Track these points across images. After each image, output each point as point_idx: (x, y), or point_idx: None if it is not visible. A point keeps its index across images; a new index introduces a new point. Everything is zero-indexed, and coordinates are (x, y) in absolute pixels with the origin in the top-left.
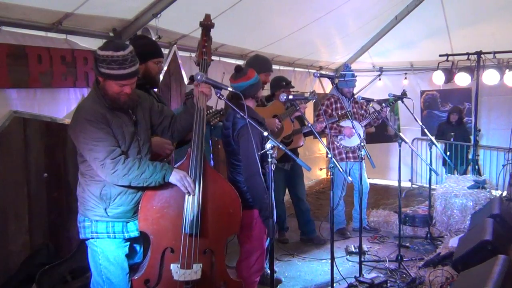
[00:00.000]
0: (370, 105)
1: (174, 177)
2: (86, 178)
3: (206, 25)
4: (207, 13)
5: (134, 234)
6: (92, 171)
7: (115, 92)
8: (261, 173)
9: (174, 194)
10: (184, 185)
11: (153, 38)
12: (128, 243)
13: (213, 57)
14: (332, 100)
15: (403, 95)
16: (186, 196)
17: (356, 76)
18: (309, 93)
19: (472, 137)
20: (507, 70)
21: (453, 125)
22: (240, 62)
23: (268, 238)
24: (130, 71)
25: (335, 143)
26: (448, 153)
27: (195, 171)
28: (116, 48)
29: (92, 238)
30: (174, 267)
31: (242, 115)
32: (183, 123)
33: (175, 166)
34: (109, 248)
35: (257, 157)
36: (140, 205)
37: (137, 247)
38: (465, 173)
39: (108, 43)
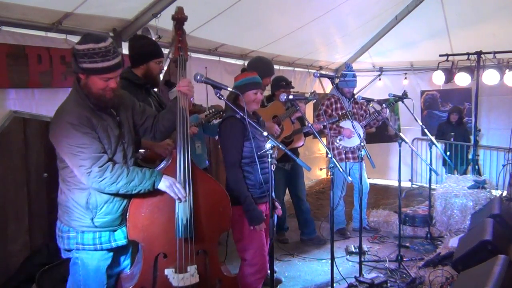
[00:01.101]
0: (370, 105)
1: (164, 184)
2: (69, 185)
3: (180, 19)
4: (180, 6)
5: (122, 242)
6: (76, 177)
7: (100, 88)
8: (239, 166)
9: (163, 198)
10: (174, 191)
11: (153, 38)
12: (112, 253)
13: (213, 57)
14: (332, 100)
15: (404, 95)
16: (177, 200)
17: (357, 76)
18: (309, 94)
19: (472, 137)
20: (507, 70)
21: (453, 125)
22: (240, 62)
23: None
24: (114, 63)
25: (335, 143)
26: (448, 153)
27: (184, 173)
28: (97, 40)
29: (77, 249)
30: (169, 272)
31: (241, 114)
32: (166, 123)
33: (160, 168)
34: (91, 261)
35: (234, 149)
36: (128, 214)
37: (122, 257)
38: (465, 173)
39: (86, 36)
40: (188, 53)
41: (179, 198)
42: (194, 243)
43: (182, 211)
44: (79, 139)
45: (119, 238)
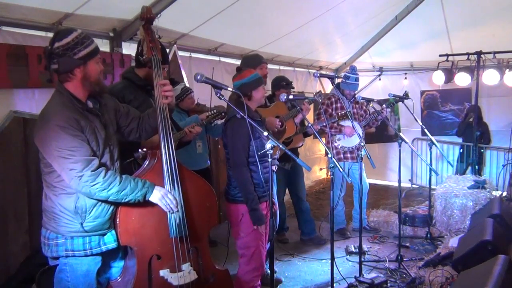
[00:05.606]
0: (370, 105)
1: (156, 196)
2: (56, 190)
3: (148, 18)
4: (147, 5)
5: (112, 245)
6: (63, 182)
7: (98, 73)
8: (247, 165)
9: None
10: (165, 203)
11: None
12: (101, 257)
13: (212, 57)
14: (333, 99)
15: (405, 96)
16: (168, 212)
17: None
18: (314, 94)
19: (491, 138)
20: (507, 70)
21: (472, 125)
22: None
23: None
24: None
25: (334, 143)
26: (461, 150)
27: (172, 172)
28: (74, 29)
29: (67, 256)
30: (165, 273)
31: (242, 114)
32: (153, 122)
33: (144, 167)
34: (80, 266)
35: (242, 149)
36: (118, 219)
37: (111, 262)
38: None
39: (60, 32)
40: (189, 53)
41: (170, 210)
42: (187, 241)
43: None
44: (69, 142)
45: (109, 241)
